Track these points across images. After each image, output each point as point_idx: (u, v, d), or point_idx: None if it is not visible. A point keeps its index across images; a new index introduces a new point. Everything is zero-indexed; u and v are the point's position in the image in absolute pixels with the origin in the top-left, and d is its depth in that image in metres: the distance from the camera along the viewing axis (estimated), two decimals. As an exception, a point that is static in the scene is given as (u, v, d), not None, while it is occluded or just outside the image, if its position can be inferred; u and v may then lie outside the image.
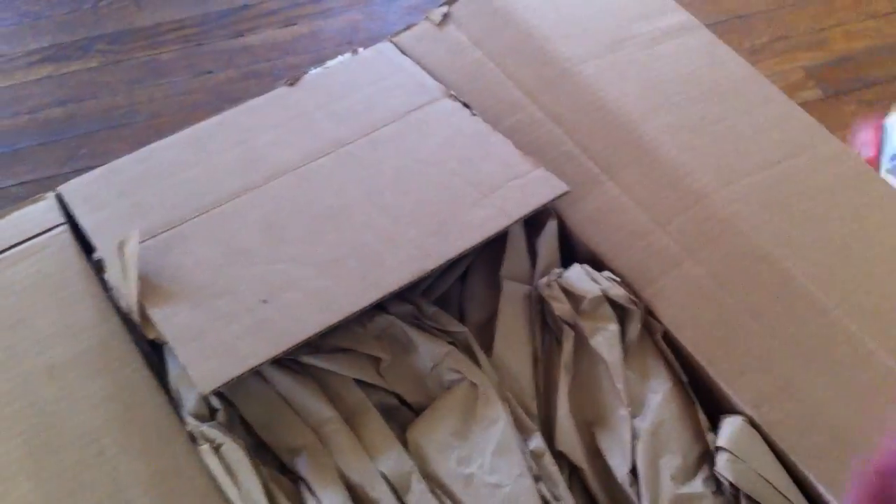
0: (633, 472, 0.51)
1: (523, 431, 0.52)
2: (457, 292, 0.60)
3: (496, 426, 0.51)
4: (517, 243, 0.59)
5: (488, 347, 0.56)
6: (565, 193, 0.58)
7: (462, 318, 0.59)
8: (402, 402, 0.55)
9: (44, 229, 0.58)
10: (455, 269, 0.60)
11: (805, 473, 0.50)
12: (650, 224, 0.60)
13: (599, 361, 0.54)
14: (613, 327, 0.55)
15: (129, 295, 0.52)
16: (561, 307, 0.55)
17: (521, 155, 0.60)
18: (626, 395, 0.53)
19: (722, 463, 0.50)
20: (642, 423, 0.52)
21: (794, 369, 0.54)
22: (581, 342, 0.56)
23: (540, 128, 0.66)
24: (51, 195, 0.60)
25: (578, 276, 0.57)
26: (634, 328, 0.55)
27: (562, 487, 0.50)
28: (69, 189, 0.59)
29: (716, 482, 0.51)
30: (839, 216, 0.61)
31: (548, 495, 0.49)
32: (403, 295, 0.56)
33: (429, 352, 0.55)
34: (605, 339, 0.54)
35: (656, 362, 0.55)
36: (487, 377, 0.54)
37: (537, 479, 0.50)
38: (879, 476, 0.41)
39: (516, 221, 0.57)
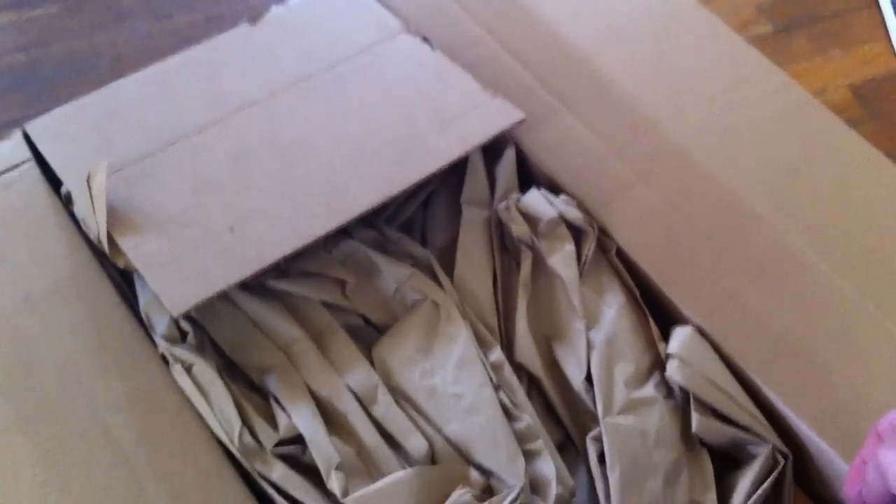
0: (588, 379, 0.53)
1: (484, 346, 0.54)
2: (419, 218, 0.62)
3: (458, 341, 0.53)
4: (477, 170, 0.61)
5: (450, 270, 0.58)
6: (522, 121, 0.60)
7: (424, 243, 0.61)
8: (368, 322, 0.57)
9: (11, 165, 0.59)
10: (417, 196, 0.61)
11: (751, 377, 0.53)
12: (605, 151, 0.62)
13: (556, 279, 0.57)
14: (570, 247, 0.57)
15: (98, 225, 0.53)
16: (519, 229, 0.58)
17: (480, 87, 0.62)
18: (581, 309, 0.55)
19: (672, 368, 0.52)
20: (597, 334, 0.54)
21: (742, 284, 0.56)
22: (539, 262, 0.58)
23: (498, 62, 0.68)
24: (17, 133, 0.61)
25: (536, 199, 0.59)
26: (589, 247, 0.57)
27: (521, 395, 0.53)
28: (35, 126, 0.60)
29: (666, 387, 0.54)
30: (785, 142, 0.64)
31: (507, 403, 0.51)
32: (367, 221, 0.58)
33: (392, 274, 0.57)
34: (562, 258, 0.57)
35: (610, 279, 0.57)
36: (449, 297, 0.56)
37: (497, 388, 0.52)
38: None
39: (475, 147, 0.59)
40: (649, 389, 0.53)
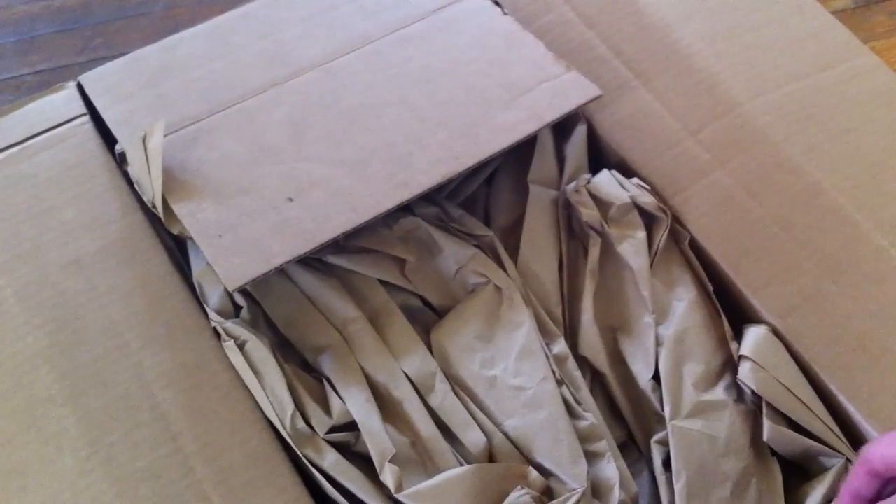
0: (656, 378, 0.51)
1: (547, 336, 0.52)
2: (483, 195, 0.59)
3: (520, 330, 0.51)
4: (545, 147, 0.58)
5: (514, 252, 0.56)
6: (597, 97, 0.57)
7: (487, 222, 0.58)
8: (426, 304, 0.54)
9: (65, 119, 0.57)
10: (482, 172, 0.59)
11: (826, 384, 0.50)
12: (681, 132, 0.59)
13: (625, 268, 0.54)
14: (641, 235, 0.54)
15: (153, 189, 0.51)
16: (589, 213, 0.55)
17: (553, 57, 0.59)
18: (651, 302, 0.52)
19: (745, 371, 0.50)
20: (666, 330, 0.52)
21: (821, 281, 0.53)
22: (607, 249, 0.55)
23: (572, 29, 0.64)
24: (71, 84, 0.59)
25: (607, 182, 0.56)
26: (661, 236, 0.54)
27: (584, 392, 0.51)
28: (90, 78, 0.58)
29: (737, 390, 0.51)
30: (872, 130, 0.60)
31: (570, 399, 0.49)
32: (429, 197, 0.55)
33: (454, 254, 0.54)
34: (632, 247, 0.54)
35: (682, 271, 0.54)
36: (512, 281, 0.53)
37: (560, 382, 0.50)
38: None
39: (547, 125, 0.56)
40: (719, 392, 0.50)
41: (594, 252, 0.55)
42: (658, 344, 0.51)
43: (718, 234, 0.55)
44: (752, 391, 0.50)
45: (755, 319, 0.53)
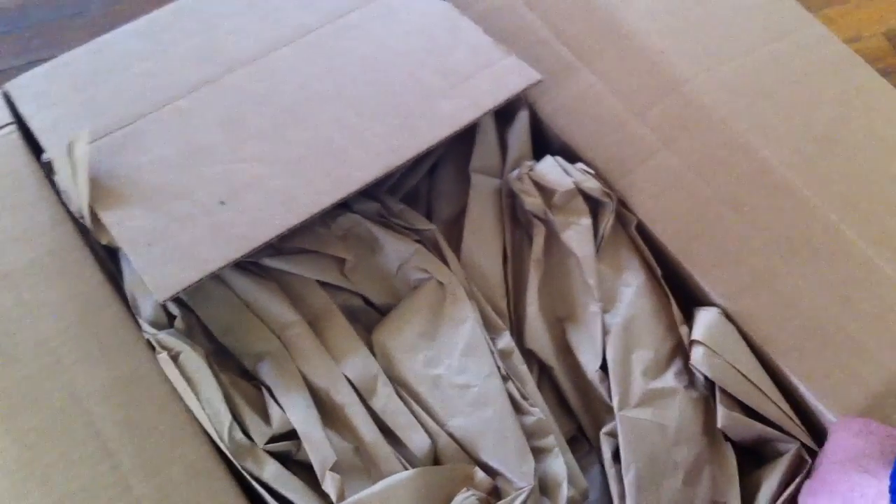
0: (604, 368, 0.50)
1: (492, 330, 0.51)
2: (425, 188, 0.58)
3: (464, 326, 0.50)
4: (487, 135, 0.57)
5: (457, 244, 0.54)
6: (538, 82, 0.56)
7: (430, 215, 0.57)
8: (368, 303, 0.53)
9: (-10, 130, 0.55)
10: (423, 164, 0.57)
11: (779, 365, 0.49)
12: (626, 113, 0.58)
13: (570, 256, 0.53)
14: (586, 221, 0.53)
15: (79, 198, 0.50)
16: (532, 201, 0.54)
17: (492, 42, 0.57)
18: (597, 290, 0.51)
19: (697, 356, 0.49)
20: (614, 318, 0.51)
21: (771, 260, 0.52)
22: (552, 237, 0.54)
23: (512, 13, 0.63)
24: (-1, 93, 0.57)
25: (550, 168, 0.55)
26: (607, 221, 0.53)
27: (531, 386, 0.50)
28: (17, 86, 0.56)
29: (688, 376, 0.50)
30: (821, 103, 0.59)
31: (517, 395, 0.48)
32: (369, 192, 0.54)
33: (395, 251, 0.53)
34: (577, 234, 0.53)
35: (630, 255, 0.53)
36: (455, 276, 0.52)
37: (506, 378, 0.49)
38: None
39: (486, 113, 0.54)
40: (669, 379, 0.49)
41: (538, 241, 0.54)
42: (605, 332, 0.50)
43: (666, 216, 0.54)
44: (706, 377, 0.49)
45: (705, 302, 0.52)
